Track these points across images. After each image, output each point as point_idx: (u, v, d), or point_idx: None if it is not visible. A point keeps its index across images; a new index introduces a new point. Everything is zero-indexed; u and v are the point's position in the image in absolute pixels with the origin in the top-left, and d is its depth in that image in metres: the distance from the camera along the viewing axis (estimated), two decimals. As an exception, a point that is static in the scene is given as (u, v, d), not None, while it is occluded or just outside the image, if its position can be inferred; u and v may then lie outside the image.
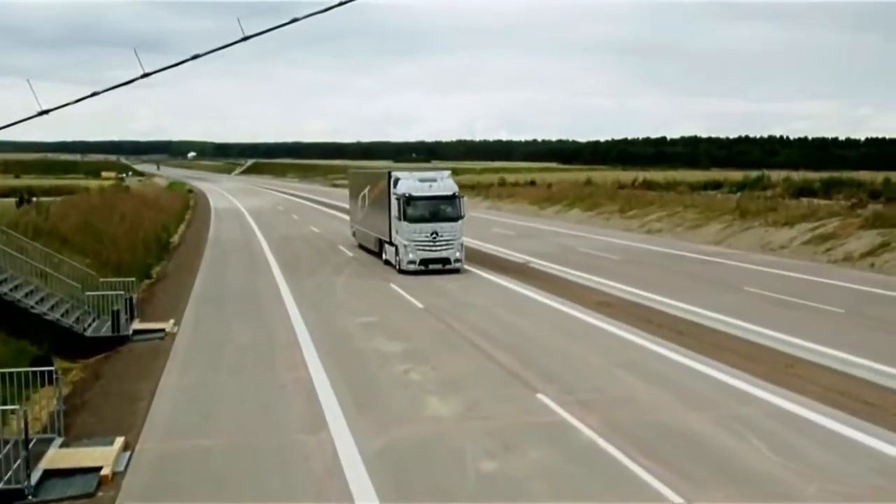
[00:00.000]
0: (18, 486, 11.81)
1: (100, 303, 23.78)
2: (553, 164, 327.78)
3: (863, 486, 11.68)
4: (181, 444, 13.77)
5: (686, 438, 13.66)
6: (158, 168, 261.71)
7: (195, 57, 17.05)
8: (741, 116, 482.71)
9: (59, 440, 13.78)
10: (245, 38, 16.51)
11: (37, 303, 21.90)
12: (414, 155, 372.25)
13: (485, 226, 58.48)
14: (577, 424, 14.28)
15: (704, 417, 14.63)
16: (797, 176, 78.61)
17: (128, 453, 13.35)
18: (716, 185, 73.24)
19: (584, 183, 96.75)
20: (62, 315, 22.18)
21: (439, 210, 33.16)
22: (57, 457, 13.05)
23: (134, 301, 23.92)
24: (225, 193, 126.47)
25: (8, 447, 12.11)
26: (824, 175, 66.29)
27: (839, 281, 31.97)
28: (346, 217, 60.82)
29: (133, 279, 25.24)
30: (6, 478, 11.86)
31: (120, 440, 13.70)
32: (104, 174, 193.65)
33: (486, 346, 20.51)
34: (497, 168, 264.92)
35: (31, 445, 12.21)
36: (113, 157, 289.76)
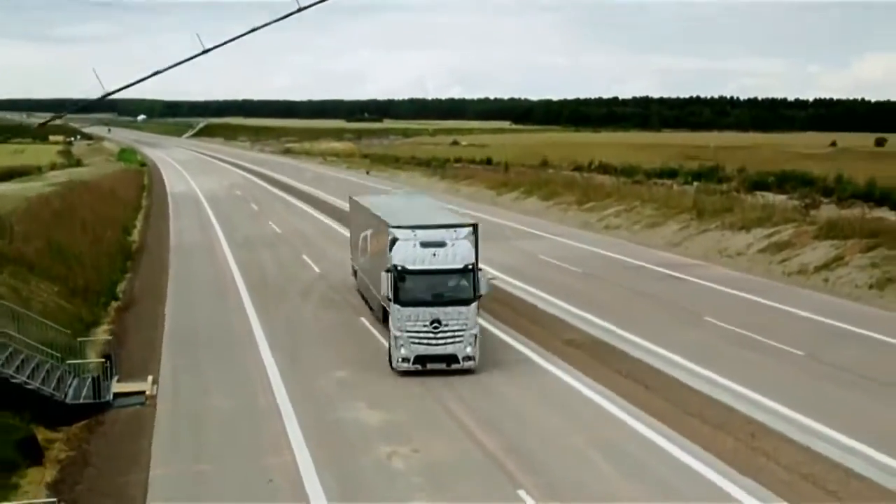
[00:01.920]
0: None
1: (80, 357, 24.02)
2: (506, 124, 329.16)
3: None
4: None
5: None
6: (109, 131, 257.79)
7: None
8: (693, 73, 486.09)
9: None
10: None
11: (16, 369, 22.04)
12: (366, 115, 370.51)
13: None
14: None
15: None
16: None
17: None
18: (672, 174, 74.32)
19: (540, 164, 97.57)
20: (42, 381, 22.33)
21: (445, 289, 24.31)
22: None
23: (112, 359, 24.05)
24: (178, 168, 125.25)
25: None
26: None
27: (796, 308, 33.04)
28: (305, 207, 60.82)
29: (111, 338, 25.22)
30: None
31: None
32: (52, 139, 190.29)
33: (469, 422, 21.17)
34: (450, 129, 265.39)
35: None
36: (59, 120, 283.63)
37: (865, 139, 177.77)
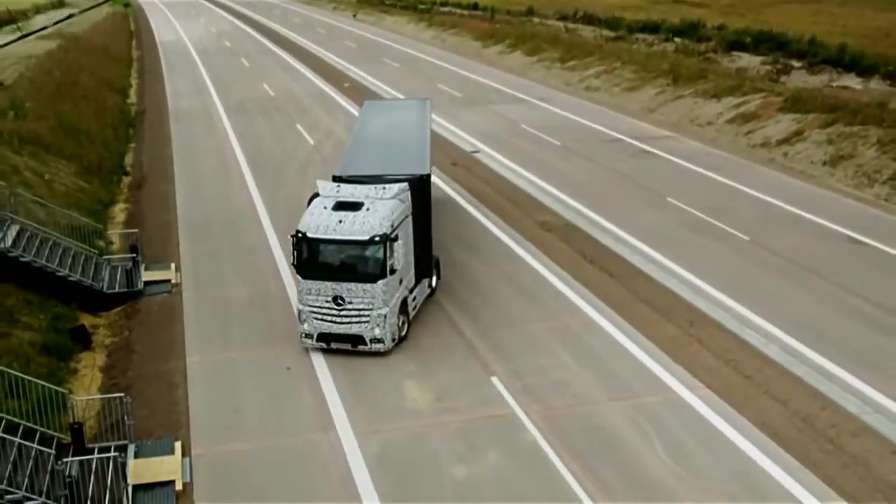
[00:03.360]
0: None
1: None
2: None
3: (719, 492, 16.51)
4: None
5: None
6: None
7: None
8: None
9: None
10: None
11: (59, 262, 25.40)
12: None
13: (431, 78, 61.08)
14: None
15: (620, 409, 19.28)
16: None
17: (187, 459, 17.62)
18: (654, 28, 75.84)
19: (526, 12, 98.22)
20: (81, 272, 25.72)
21: (348, 262, 21.28)
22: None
23: (139, 249, 27.28)
24: (162, 7, 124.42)
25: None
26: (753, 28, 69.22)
27: (752, 188, 36.18)
28: (294, 64, 62.33)
29: (136, 231, 28.39)
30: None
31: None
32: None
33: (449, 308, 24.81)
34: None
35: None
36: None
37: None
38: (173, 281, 26.47)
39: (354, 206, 21.55)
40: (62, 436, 17.59)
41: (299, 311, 21.59)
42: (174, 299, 25.48)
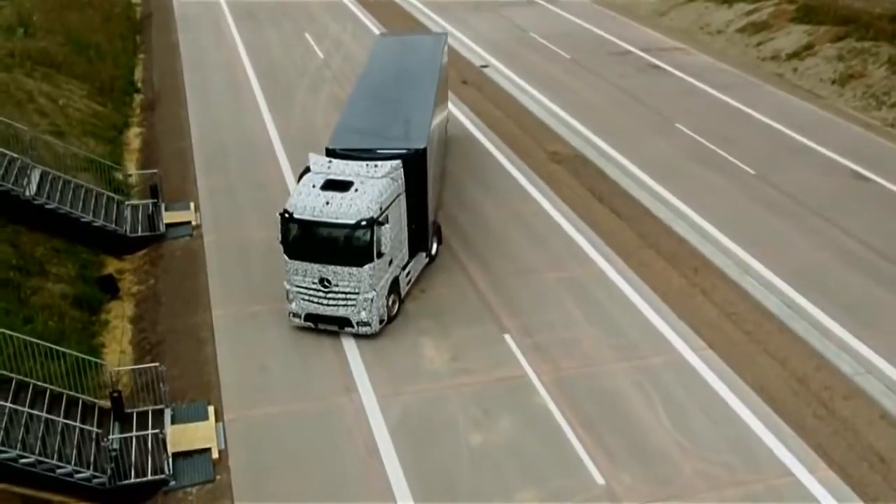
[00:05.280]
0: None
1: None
2: None
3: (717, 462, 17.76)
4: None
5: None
6: None
7: None
8: None
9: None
10: None
11: (82, 207, 26.17)
12: None
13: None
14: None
15: (626, 371, 20.40)
16: None
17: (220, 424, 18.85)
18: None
19: None
20: (104, 217, 26.50)
21: (334, 245, 20.79)
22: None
23: (159, 189, 27.92)
24: None
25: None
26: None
27: (760, 112, 36.57)
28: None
29: (156, 171, 28.96)
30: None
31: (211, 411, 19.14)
32: None
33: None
34: None
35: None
36: None
37: None
38: (194, 223, 27.21)
39: (343, 186, 20.98)
40: (103, 402, 18.72)
41: (287, 290, 21.34)
42: (195, 243, 26.30)
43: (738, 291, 23.94)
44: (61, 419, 17.22)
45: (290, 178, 29.98)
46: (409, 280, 23.31)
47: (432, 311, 22.82)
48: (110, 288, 24.34)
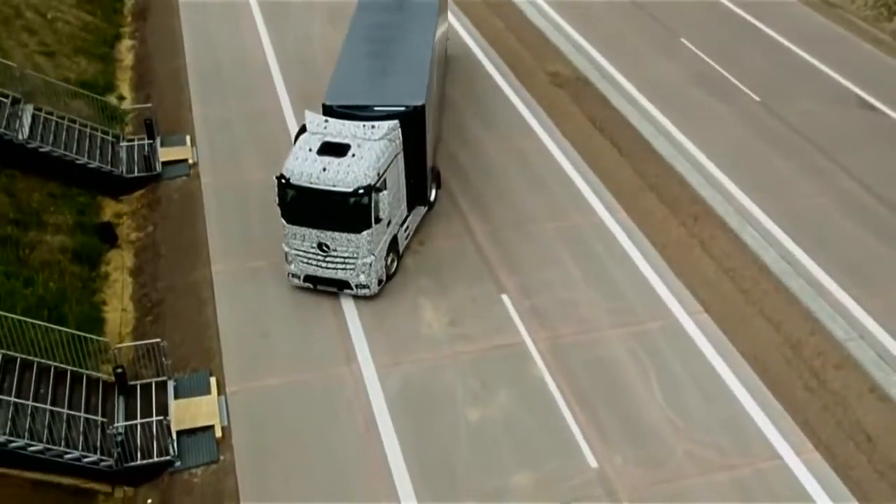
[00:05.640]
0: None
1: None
2: None
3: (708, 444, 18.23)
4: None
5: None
6: None
7: None
8: None
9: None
10: None
11: (77, 149, 25.90)
12: None
13: None
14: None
15: (621, 339, 20.66)
16: None
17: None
18: None
19: None
20: (99, 157, 26.23)
21: (332, 212, 20.65)
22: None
23: (153, 124, 27.50)
24: None
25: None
26: None
27: (768, 25, 35.57)
28: None
29: (150, 105, 28.42)
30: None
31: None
32: None
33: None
34: None
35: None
36: None
37: None
38: (190, 161, 26.92)
39: (340, 150, 20.66)
40: (107, 377, 19.06)
41: (286, 253, 21.41)
42: (193, 184, 26.10)
43: (737, 243, 24.00)
44: (66, 410, 17.52)
45: (287, 106, 29.44)
46: (408, 235, 23.30)
47: (431, 267, 22.91)
48: (109, 237, 24.35)
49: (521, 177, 26.40)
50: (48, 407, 17.25)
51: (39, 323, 18.52)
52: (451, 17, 34.02)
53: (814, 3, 38.04)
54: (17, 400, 16.90)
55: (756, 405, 18.99)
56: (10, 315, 18.23)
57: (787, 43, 34.28)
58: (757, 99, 30.45)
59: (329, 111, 22.08)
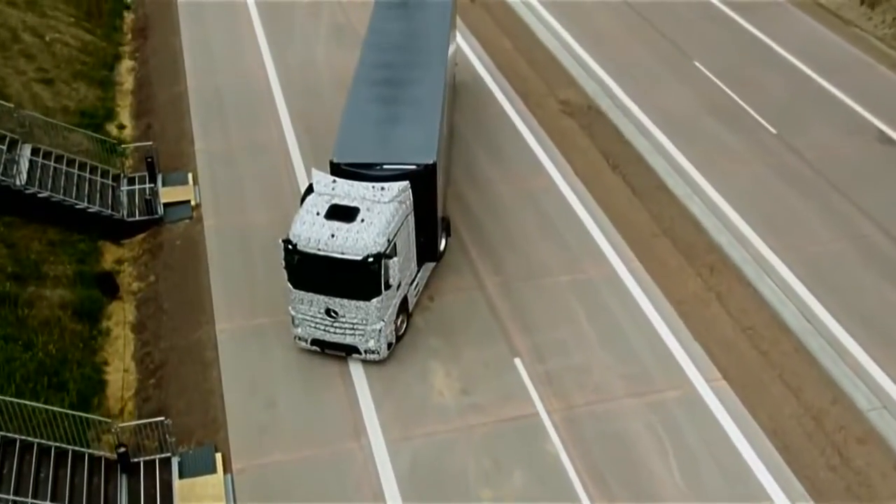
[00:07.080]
0: None
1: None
2: None
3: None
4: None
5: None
6: None
7: None
8: None
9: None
10: None
11: (76, 192, 25.28)
12: None
13: None
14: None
15: (638, 410, 20.09)
16: None
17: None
18: None
19: None
20: (100, 201, 25.58)
21: (340, 279, 19.83)
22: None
23: (155, 160, 26.84)
24: None
25: None
26: None
27: (784, 47, 34.69)
28: None
29: (151, 143, 27.73)
30: None
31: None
32: None
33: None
34: None
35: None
36: None
37: None
38: (193, 203, 26.26)
39: (349, 214, 19.87)
40: (109, 455, 18.55)
41: (292, 316, 20.70)
42: (195, 229, 25.46)
43: (755, 298, 23.36)
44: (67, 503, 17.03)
45: (291, 141, 28.75)
46: (418, 292, 22.66)
47: (441, 325, 22.33)
48: (110, 288, 23.77)
49: (532, 221, 25.78)
50: None
51: (39, 406, 17.95)
52: (458, 36, 33.23)
53: (828, 21, 37.17)
54: (15, 498, 16.33)
55: (777, 487, 18.45)
56: (7, 399, 17.66)
57: (802, 66, 33.50)
58: (773, 132, 29.74)
59: (336, 169, 21.35)
